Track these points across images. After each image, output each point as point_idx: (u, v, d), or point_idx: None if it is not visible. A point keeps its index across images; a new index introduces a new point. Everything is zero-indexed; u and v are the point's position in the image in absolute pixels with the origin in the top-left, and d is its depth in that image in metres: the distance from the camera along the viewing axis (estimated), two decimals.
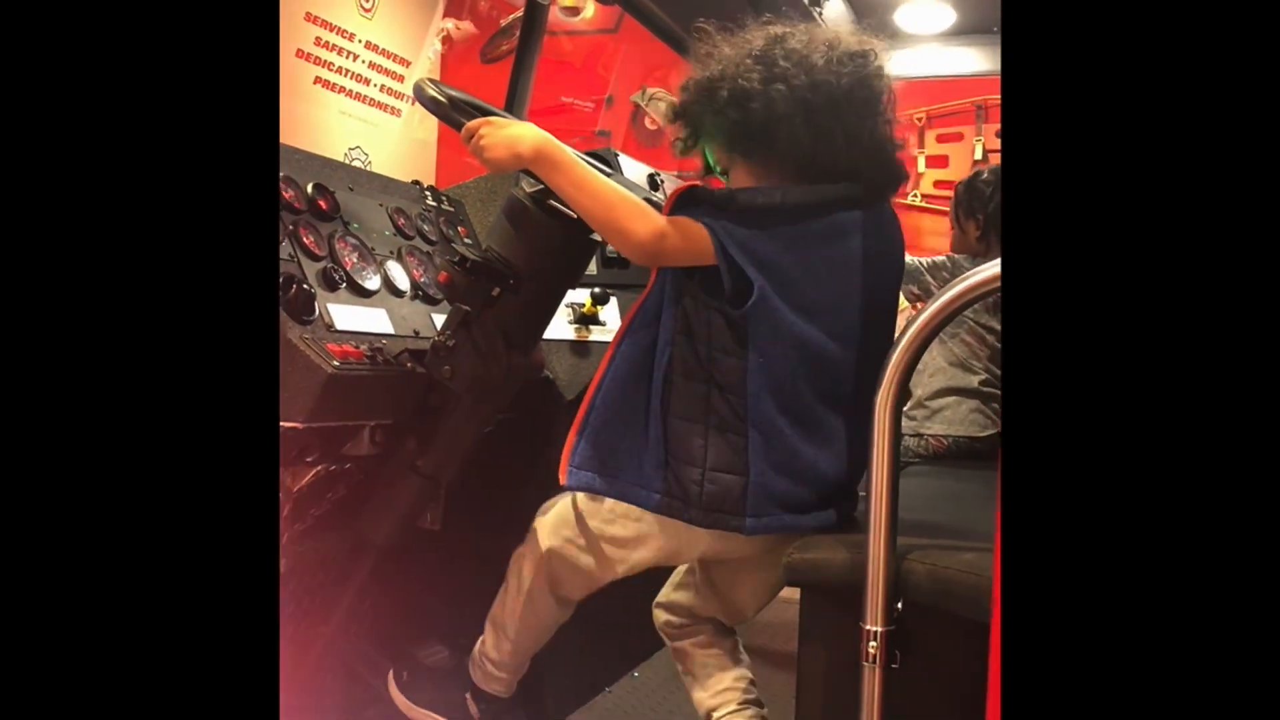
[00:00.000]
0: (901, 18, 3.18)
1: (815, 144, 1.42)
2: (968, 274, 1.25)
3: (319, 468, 1.70)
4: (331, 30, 4.68)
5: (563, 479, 1.50)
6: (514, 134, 1.48)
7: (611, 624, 2.20)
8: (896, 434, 1.32)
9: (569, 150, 1.51)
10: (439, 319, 1.75)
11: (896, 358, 1.29)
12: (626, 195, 1.46)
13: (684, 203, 1.43)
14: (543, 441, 1.97)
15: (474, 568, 2.09)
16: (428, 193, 2.04)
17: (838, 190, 1.44)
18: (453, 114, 1.52)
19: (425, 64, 5.07)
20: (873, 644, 1.29)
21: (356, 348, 1.55)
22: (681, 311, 1.44)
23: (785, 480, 1.43)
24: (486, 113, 1.58)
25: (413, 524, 1.84)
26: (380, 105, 5.12)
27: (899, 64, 3.32)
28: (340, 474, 1.77)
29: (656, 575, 2.02)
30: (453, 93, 1.56)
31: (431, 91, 1.53)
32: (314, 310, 1.53)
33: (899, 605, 1.31)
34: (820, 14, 2.75)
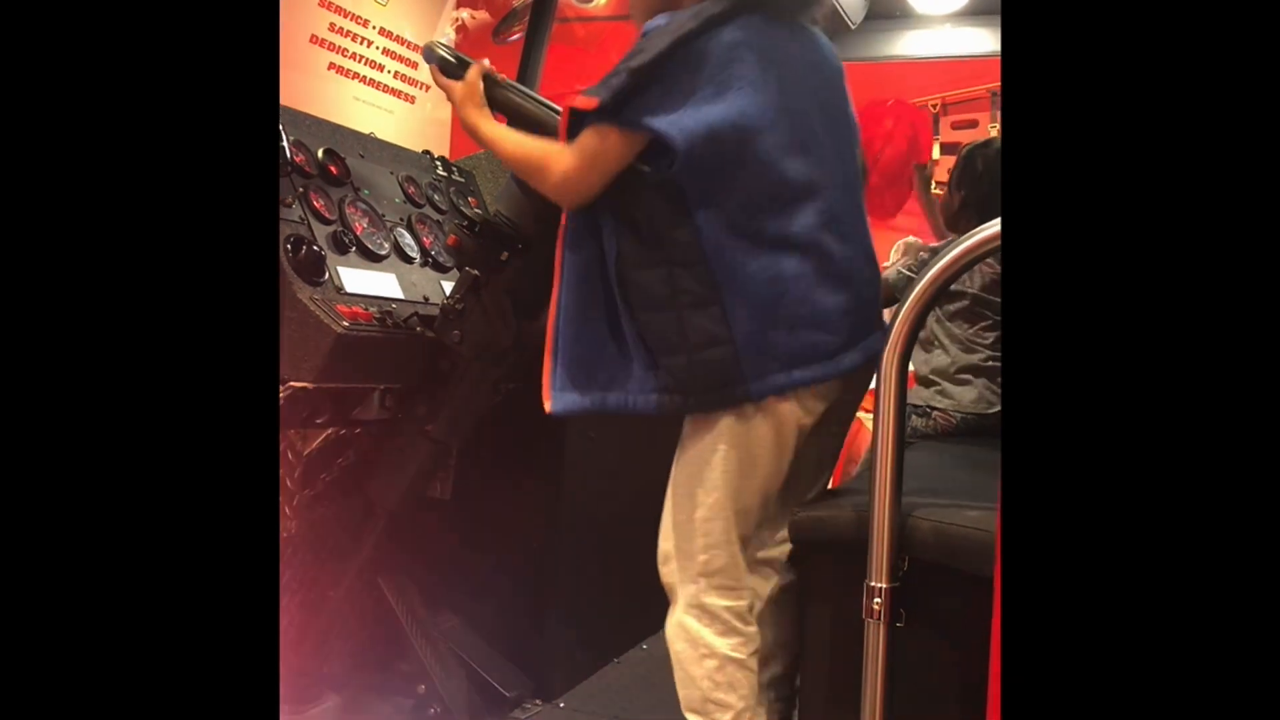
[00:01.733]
0: None
1: None
2: (972, 232, 1.26)
3: (329, 431, 1.72)
4: (346, 16, 4.69)
5: (547, 406, 1.40)
6: (455, 97, 1.50)
7: (620, 595, 2.21)
8: (902, 391, 1.31)
9: (496, 127, 1.50)
10: (448, 286, 1.76)
11: (904, 314, 1.29)
12: (530, 148, 1.43)
13: (576, 121, 1.36)
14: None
15: (484, 538, 2.10)
16: (438, 162, 2.05)
17: (720, 5, 1.34)
18: (460, 73, 1.53)
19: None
20: (877, 600, 1.29)
21: (366, 310, 1.56)
22: (615, 204, 1.37)
23: (781, 332, 1.34)
24: (495, 80, 1.59)
25: (422, 491, 1.86)
26: (395, 92, 5.13)
27: (912, 44, 3.32)
28: (350, 438, 1.79)
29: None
30: (462, 56, 1.57)
31: (442, 52, 1.53)
32: (324, 272, 1.54)
33: (905, 563, 1.31)
34: None
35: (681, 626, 1.41)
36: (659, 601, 1.76)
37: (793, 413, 1.38)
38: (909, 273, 2.48)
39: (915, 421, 2.48)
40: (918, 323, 1.30)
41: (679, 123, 1.31)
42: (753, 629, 1.42)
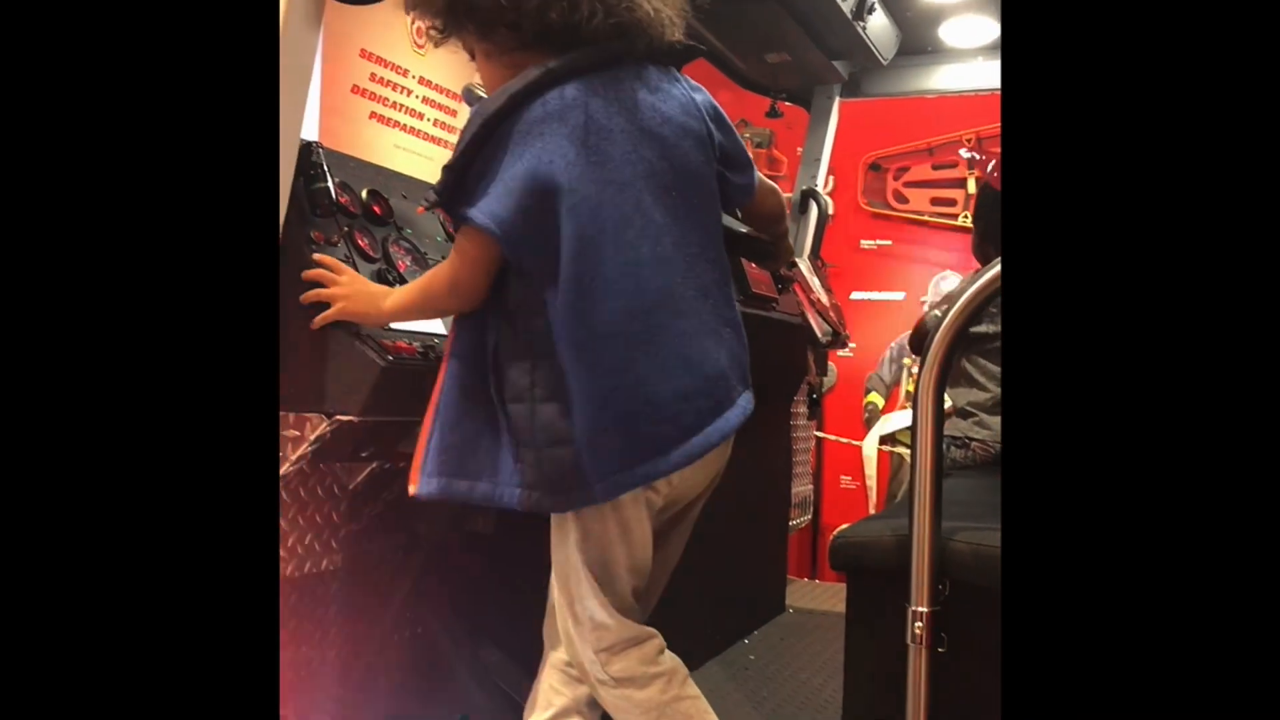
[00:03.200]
0: (946, 32, 3.20)
1: (517, 9, 1.32)
2: (979, 271, 1.29)
3: (374, 465, 1.74)
4: (386, 66, 4.80)
5: (412, 489, 1.39)
6: (371, 294, 1.49)
7: (660, 629, 2.21)
8: (939, 418, 1.33)
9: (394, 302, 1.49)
10: None
11: (940, 335, 1.31)
12: (416, 285, 1.46)
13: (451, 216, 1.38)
14: None
15: (525, 571, 2.11)
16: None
17: (524, 81, 1.31)
18: None
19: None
20: (918, 625, 1.30)
21: (409, 344, 1.60)
22: (493, 297, 1.37)
23: (618, 429, 1.31)
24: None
25: (465, 524, 1.88)
26: (434, 139, 5.23)
27: (944, 79, 3.34)
28: (395, 471, 1.81)
29: (706, 580, 2.03)
30: None
31: (480, 93, 1.58)
32: None
33: (945, 587, 1.31)
34: (864, 28, 2.78)
35: (607, 702, 1.43)
36: (697, 635, 1.76)
37: (638, 503, 1.39)
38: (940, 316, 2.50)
39: (954, 453, 2.48)
40: (949, 356, 1.32)
41: (490, 209, 1.29)
42: (669, 664, 1.42)
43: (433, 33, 1.44)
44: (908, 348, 4.85)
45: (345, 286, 1.49)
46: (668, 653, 1.43)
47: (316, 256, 1.50)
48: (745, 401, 1.42)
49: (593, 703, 1.48)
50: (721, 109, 1.49)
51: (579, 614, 1.41)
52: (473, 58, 1.47)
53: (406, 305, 1.47)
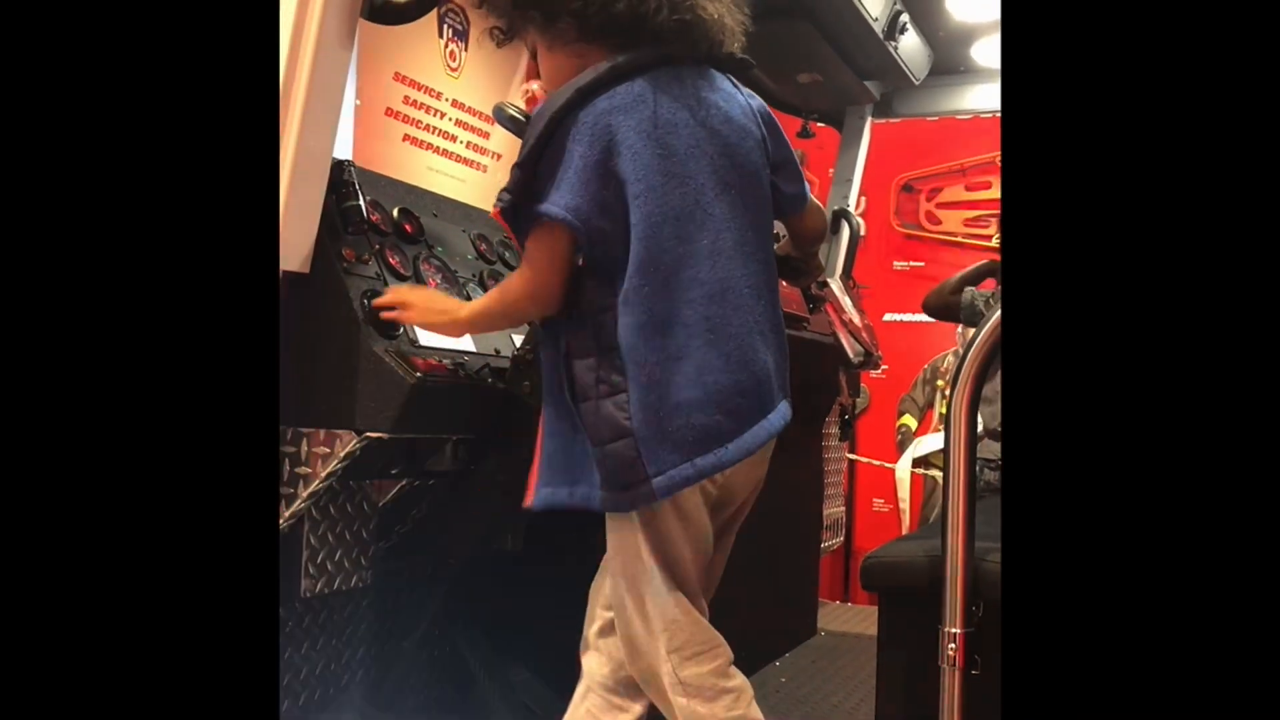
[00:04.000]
0: (978, 52, 3.18)
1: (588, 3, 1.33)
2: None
3: (404, 482, 1.75)
4: (419, 89, 4.84)
5: (527, 500, 1.41)
6: (443, 309, 1.51)
7: None
8: (972, 435, 1.32)
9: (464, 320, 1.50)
10: (518, 339, 1.80)
11: (972, 355, 1.30)
12: (490, 296, 1.47)
13: (515, 226, 1.37)
14: None
15: (553, 590, 2.11)
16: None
17: (590, 76, 1.33)
18: None
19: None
20: (952, 646, 1.28)
21: (439, 361, 1.60)
22: (566, 303, 1.38)
23: (677, 419, 1.30)
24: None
25: (494, 542, 1.88)
26: (467, 161, 5.26)
27: (977, 99, 3.32)
28: (424, 489, 1.82)
29: (733, 599, 2.01)
30: (530, 115, 1.61)
31: (511, 111, 1.58)
32: (399, 326, 1.58)
33: (978, 609, 1.30)
34: (896, 48, 2.77)
35: (676, 707, 1.38)
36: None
37: (695, 496, 1.37)
38: (980, 304, 2.48)
39: (988, 475, 2.45)
40: (980, 378, 1.31)
41: (563, 200, 1.31)
42: (738, 680, 1.39)
43: (495, 33, 1.46)
44: (938, 369, 4.81)
45: (419, 300, 1.52)
46: (736, 669, 1.41)
47: (390, 288, 1.53)
48: (785, 408, 1.42)
49: None
50: (775, 118, 1.52)
51: (650, 613, 1.38)
52: (533, 56, 1.47)
53: (484, 312, 1.48)
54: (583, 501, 1.37)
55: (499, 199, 1.35)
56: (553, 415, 1.40)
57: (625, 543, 1.39)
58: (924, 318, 5.37)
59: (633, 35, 1.35)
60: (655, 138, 1.33)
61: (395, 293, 1.53)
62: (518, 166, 1.34)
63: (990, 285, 2.76)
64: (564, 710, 1.56)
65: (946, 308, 2.76)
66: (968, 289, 2.68)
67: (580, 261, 1.36)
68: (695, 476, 1.32)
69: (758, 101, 1.49)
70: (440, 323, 1.51)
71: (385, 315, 1.52)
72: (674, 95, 1.36)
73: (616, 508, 1.36)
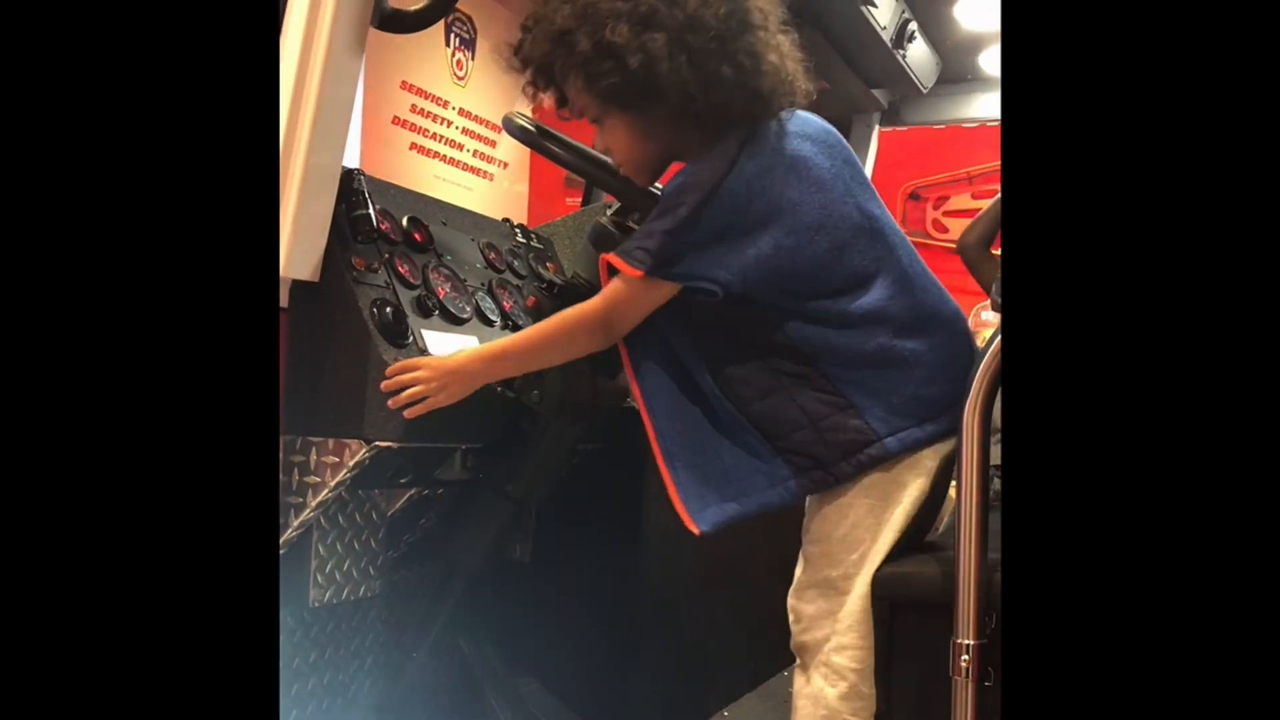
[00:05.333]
0: (986, 60, 3.18)
1: (705, 90, 1.36)
2: None
3: (412, 491, 1.74)
4: (426, 98, 4.86)
5: (694, 528, 1.41)
6: (458, 368, 1.48)
7: (703, 659, 2.18)
8: (985, 443, 1.31)
9: (490, 349, 1.52)
10: None
11: (985, 364, 1.29)
12: (552, 323, 1.47)
13: (612, 268, 1.40)
14: (630, 474, 1.99)
15: (563, 600, 2.11)
16: (517, 230, 2.10)
17: (731, 144, 1.37)
18: (541, 141, 1.58)
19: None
20: (965, 657, 1.27)
21: None
22: (686, 323, 1.42)
23: (895, 393, 1.37)
24: (571, 146, 1.63)
25: (502, 551, 1.87)
26: (473, 169, 5.28)
27: (983, 107, 3.32)
28: (433, 498, 1.81)
29: (745, 610, 2.00)
30: (540, 124, 1.62)
31: (521, 122, 1.58)
32: (408, 335, 1.58)
33: (992, 619, 1.29)
34: (904, 56, 2.77)
35: (809, 684, 1.40)
36: (741, 667, 1.74)
37: (930, 464, 1.40)
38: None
39: (999, 484, 2.44)
40: (994, 385, 1.30)
41: (729, 266, 1.35)
42: (871, 692, 1.39)
43: (529, 88, 1.49)
44: None
45: (427, 374, 1.47)
46: (874, 688, 1.41)
47: (388, 371, 1.48)
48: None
49: None
50: None
51: (839, 589, 1.38)
52: (592, 121, 1.48)
53: (523, 342, 1.50)
54: (761, 508, 1.40)
55: (633, 257, 1.36)
56: (687, 438, 1.42)
57: (840, 503, 1.39)
58: None
59: (739, 119, 1.39)
60: (803, 177, 1.38)
61: (399, 381, 1.47)
62: (664, 234, 1.35)
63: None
64: None
65: (980, 267, 2.69)
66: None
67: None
68: (926, 440, 1.38)
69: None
70: (458, 390, 1.48)
71: (398, 402, 1.47)
72: (786, 135, 1.41)
73: (843, 479, 1.38)
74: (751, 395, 1.39)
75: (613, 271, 1.41)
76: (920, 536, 1.49)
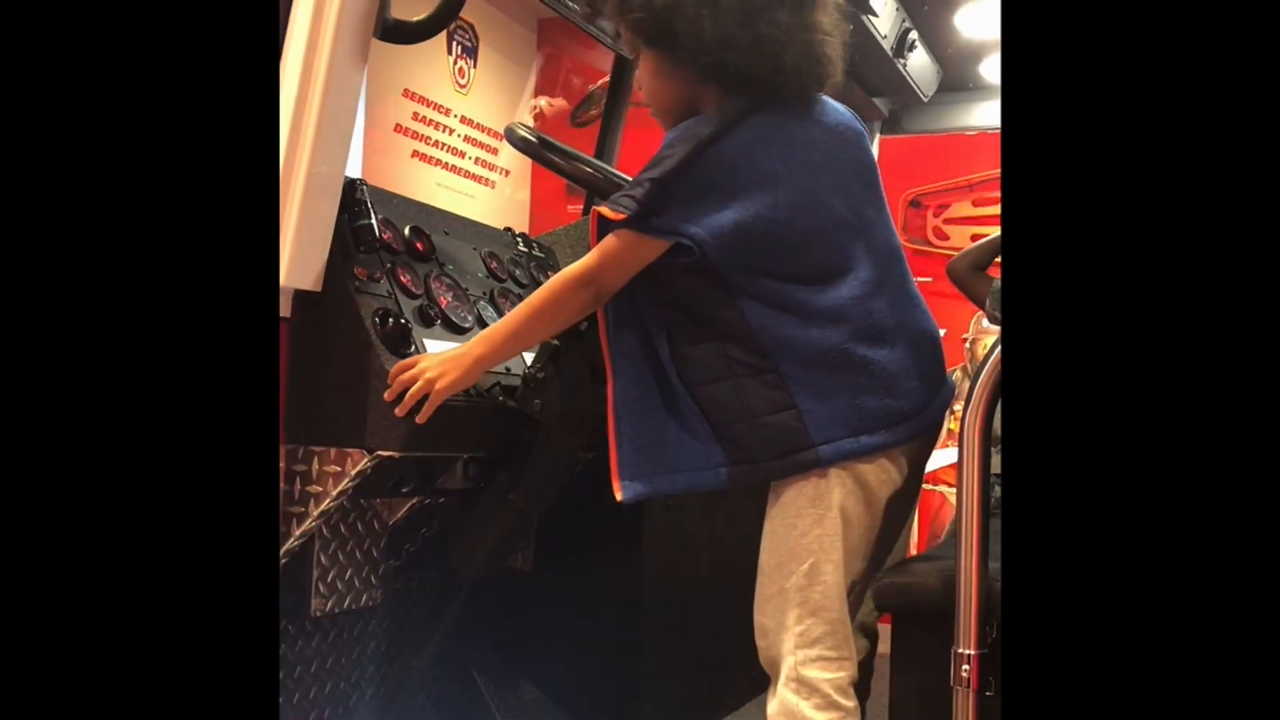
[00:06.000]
0: (986, 69, 3.20)
1: (720, 46, 1.38)
2: None
3: (414, 500, 1.75)
4: (428, 105, 4.85)
5: (618, 495, 1.42)
6: (455, 354, 1.49)
7: (703, 668, 2.19)
8: (985, 457, 1.31)
9: (482, 339, 1.51)
10: (529, 356, 1.80)
11: (985, 376, 1.29)
12: (538, 294, 1.48)
13: (603, 224, 1.41)
14: None
15: (564, 609, 2.10)
16: (519, 239, 2.10)
17: (735, 107, 1.39)
18: (543, 153, 1.58)
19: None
20: (965, 667, 1.27)
21: None
22: (654, 292, 1.42)
23: (842, 399, 1.36)
24: (573, 157, 1.64)
25: (504, 560, 1.87)
26: (475, 177, 5.27)
27: (985, 115, 3.33)
28: (434, 507, 1.81)
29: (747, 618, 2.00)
30: (542, 136, 1.62)
31: (523, 133, 1.59)
32: (410, 344, 1.58)
33: (993, 629, 1.29)
34: (905, 65, 2.78)
35: (781, 702, 1.39)
36: (743, 675, 1.73)
37: (878, 475, 1.38)
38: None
39: (999, 492, 2.43)
40: (995, 393, 1.30)
41: (706, 225, 1.35)
42: (852, 703, 1.39)
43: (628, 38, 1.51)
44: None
45: (424, 364, 1.48)
46: (854, 691, 1.41)
47: (390, 379, 1.49)
48: (950, 383, 1.49)
49: None
50: None
51: (791, 600, 1.38)
52: (630, 55, 1.54)
53: (514, 318, 1.50)
54: (688, 488, 1.41)
55: (619, 204, 1.38)
56: (640, 407, 1.43)
57: (788, 515, 1.39)
58: None
59: (755, 85, 1.40)
60: (798, 160, 1.39)
61: (403, 382, 1.48)
62: (652, 183, 1.36)
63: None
64: None
65: (971, 286, 2.69)
66: (997, 280, 2.65)
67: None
68: (860, 451, 1.36)
69: (847, 108, 1.55)
70: (458, 377, 1.48)
71: (406, 405, 1.48)
72: (801, 115, 1.43)
73: (772, 475, 1.38)
74: (702, 378, 1.39)
75: (603, 230, 1.41)
76: (884, 550, 1.49)
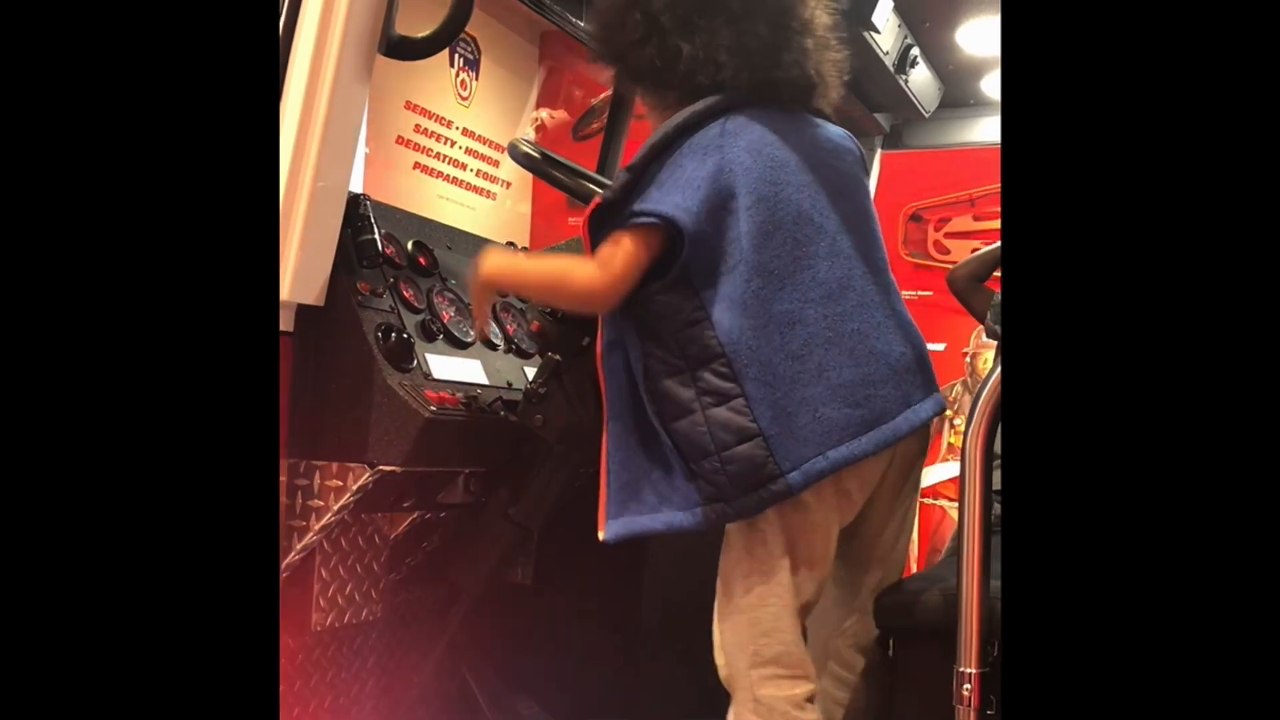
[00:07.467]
0: (988, 85, 3.20)
1: (688, 63, 1.41)
2: None
3: (415, 514, 1.75)
4: (430, 118, 4.86)
5: (601, 534, 1.41)
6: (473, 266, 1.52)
7: (704, 682, 2.18)
8: (988, 472, 1.31)
9: (517, 261, 1.56)
10: (531, 371, 1.80)
11: (987, 393, 1.29)
12: (548, 265, 1.52)
13: (597, 228, 1.40)
14: None
15: (564, 624, 2.10)
16: (522, 253, 2.11)
17: (711, 102, 1.40)
18: (546, 168, 1.59)
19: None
20: (967, 686, 1.27)
21: (452, 395, 1.60)
22: (634, 323, 1.39)
23: (806, 413, 1.33)
24: (576, 172, 1.64)
25: (504, 574, 1.87)
26: (476, 189, 5.27)
27: (986, 131, 3.33)
28: (435, 522, 1.81)
29: None
30: (545, 151, 1.63)
31: (525, 148, 1.59)
32: (413, 359, 1.58)
33: (995, 648, 1.29)
34: (907, 81, 2.79)
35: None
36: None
37: (836, 493, 1.37)
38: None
39: (999, 509, 2.43)
40: (997, 411, 1.30)
41: (678, 204, 1.34)
42: (812, 716, 1.38)
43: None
44: (946, 398, 4.79)
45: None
46: (814, 705, 1.40)
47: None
48: (937, 400, 1.46)
49: None
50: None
51: (744, 619, 1.38)
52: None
53: (521, 271, 1.54)
54: (665, 527, 1.38)
55: (604, 193, 1.39)
56: (622, 443, 1.41)
57: (745, 535, 1.39)
58: (933, 346, 5.36)
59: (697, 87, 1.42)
60: (765, 154, 1.39)
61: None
62: (627, 170, 1.38)
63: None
64: None
65: (971, 299, 2.69)
66: (997, 295, 2.65)
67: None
68: (829, 469, 1.33)
69: (843, 129, 1.56)
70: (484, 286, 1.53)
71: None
72: (779, 120, 1.43)
73: (743, 514, 1.35)
74: (671, 412, 1.36)
75: (595, 237, 1.40)
76: (873, 561, 1.49)
